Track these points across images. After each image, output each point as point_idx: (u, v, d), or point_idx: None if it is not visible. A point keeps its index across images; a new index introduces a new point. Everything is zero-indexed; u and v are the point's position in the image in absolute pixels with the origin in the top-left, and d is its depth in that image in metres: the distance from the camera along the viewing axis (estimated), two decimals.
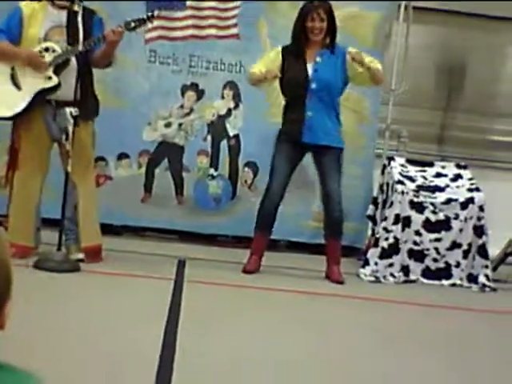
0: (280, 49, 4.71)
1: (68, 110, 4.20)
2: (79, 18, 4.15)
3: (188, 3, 5.63)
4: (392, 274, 4.99)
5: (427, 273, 5.03)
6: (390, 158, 5.54)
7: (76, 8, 4.15)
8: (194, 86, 5.77)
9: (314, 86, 4.57)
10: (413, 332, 3.74)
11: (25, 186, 4.39)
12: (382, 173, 5.53)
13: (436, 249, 5.04)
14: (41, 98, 4.27)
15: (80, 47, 4.18)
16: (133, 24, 4.25)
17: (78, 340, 2.98)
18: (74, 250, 4.44)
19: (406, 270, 5.03)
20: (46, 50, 4.24)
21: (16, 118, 4.34)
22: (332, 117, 4.63)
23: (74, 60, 4.26)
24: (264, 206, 4.75)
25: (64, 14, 4.24)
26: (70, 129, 4.21)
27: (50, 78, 4.25)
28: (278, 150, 4.70)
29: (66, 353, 2.80)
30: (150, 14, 4.37)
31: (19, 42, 4.29)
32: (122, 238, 5.56)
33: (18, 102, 4.27)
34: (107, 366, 2.68)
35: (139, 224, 5.71)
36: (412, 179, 5.28)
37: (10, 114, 4.30)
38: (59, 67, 4.25)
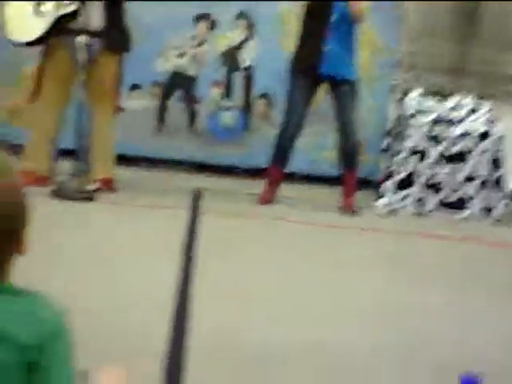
0: None
1: (80, 38, 4.14)
2: None
3: None
4: (407, 206, 4.98)
5: (442, 205, 5.01)
6: (406, 91, 5.46)
7: None
8: (207, 16, 5.65)
9: (335, 17, 4.51)
10: (426, 263, 3.75)
11: (44, 114, 4.36)
12: (398, 105, 5.46)
13: (451, 182, 5.01)
14: (62, 26, 4.18)
15: None
16: None
17: (94, 270, 2.99)
18: (88, 179, 4.43)
19: (421, 202, 5.01)
20: None
21: (36, 45, 4.27)
22: (349, 49, 4.63)
23: None
24: (281, 139, 4.74)
25: None
26: (83, 58, 4.15)
27: (69, 4, 4.16)
28: (294, 82, 4.68)
29: (81, 281, 2.81)
30: None
31: None
32: (135, 168, 5.54)
33: (38, 28, 4.20)
34: (123, 295, 2.69)
35: (152, 155, 5.67)
36: (428, 112, 5.21)
37: (27, 39, 4.22)
38: None
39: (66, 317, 1.14)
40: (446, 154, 5.01)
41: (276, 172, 4.79)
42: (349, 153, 4.72)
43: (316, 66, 4.57)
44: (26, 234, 1.15)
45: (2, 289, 1.12)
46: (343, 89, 4.64)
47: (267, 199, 4.72)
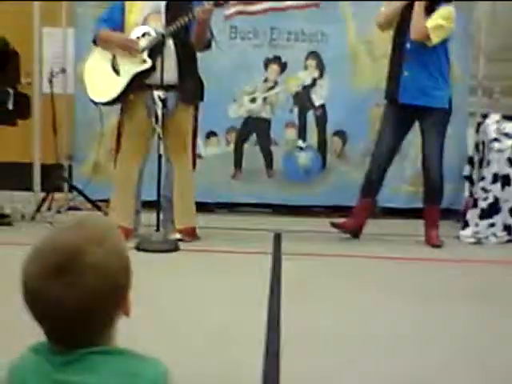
0: None
1: (156, 93, 4.26)
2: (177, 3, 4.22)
3: None
4: (494, 234, 4.84)
5: None
6: (484, 116, 5.34)
7: None
8: (277, 59, 5.73)
9: (409, 44, 4.46)
10: None
11: (125, 168, 4.49)
12: (477, 131, 5.34)
13: None
14: (139, 83, 4.33)
15: (167, 29, 4.21)
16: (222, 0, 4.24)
17: (185, 320, 3.02)
18: (171, 230, 4.51)
19: (508, 229, 4.86)
20: (143, 34, 4.31)
21: (115, 103, 4.44)
22: (433, 74, 4.48)
23: (171, 43, 4.30)
24: (369, 175, 4.70)
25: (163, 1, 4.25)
26: (159, 112, 4.27)
27: (144, 61, 4.31)
28: (384, 116, 4.67)
29: (174, 332, 2.84)
30: None
31: (122, 29, 4.39)
32: (215, 215, 5.62)
33: (116, 87, 4.36)
34: (215, 346, 2.70)
35: (232, 200, 5.75)
36: (509, 136, 5.08)
37: (106, 99, 4.40)
38: (154, 51, 4.30)
39: (170, 376, 1.14)
40: None
41: (362, 205, 4.72)
42: (431, 187, 4.62)
43: (394, 93, 4.52)
44: (129, 294, 1.17)
45: (106, 351, 1.13)
46: (426, 118, 4.53)
47: (347, 225, 4.69)
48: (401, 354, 2.70)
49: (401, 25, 4.50)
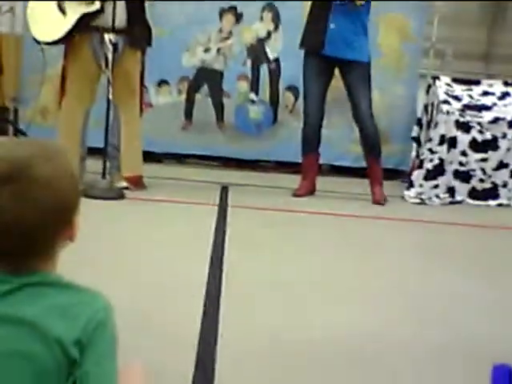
0: None
1: (107, 36, 4.16)
2: None
3: None
4: (437, 196, 4.92)
5: (473, 193, 4.95)
6: (435, 78, 5.38)
7: None
8: (233, 9, 5.65)
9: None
10: (458, 252, 3.71)
11: (69, 113, 4.39)
12: (427, 93, 5.39)
13: (482, 169, 4.94)
14: (85, 24, 4.21)
15: None
16: None
17: (124, 268, 3.01)
18: (118, 177, 4.46)
19: (451, 191, 4.95)
20: None
21: (59, 43, 4.31)
22: (357, 30, 4.51)
23: None
24: (305, 129, 4.73)
25: None
26: (110, 56, 4.18)
27: (92, 2, 4.19)
28: (306, 68, 4.65)
29: (112, 280, 2.83)
30: None
31: None
32: (163, 165, 5.58)
33: (62, 27, 4.23)
34: (154, 294, 2.70)
35: (180, 151, 5.71)
36: (458, 98, 5.14)
37: (50, 39, 4.27)
38: None
39: (111, 310, 1.12)
40: (477, 140, 4.94)
41: (307, 162, 4.75)
42: (369, 140, 4.65)
43: (319, 46, 4.51)
44: (76, 219, 1.14)
45: (45, 282, 1.11)
46: (352, 71, 4.55)
47: (301, 192, 4.70)
48: (347, 302, 2.76)
49: None
